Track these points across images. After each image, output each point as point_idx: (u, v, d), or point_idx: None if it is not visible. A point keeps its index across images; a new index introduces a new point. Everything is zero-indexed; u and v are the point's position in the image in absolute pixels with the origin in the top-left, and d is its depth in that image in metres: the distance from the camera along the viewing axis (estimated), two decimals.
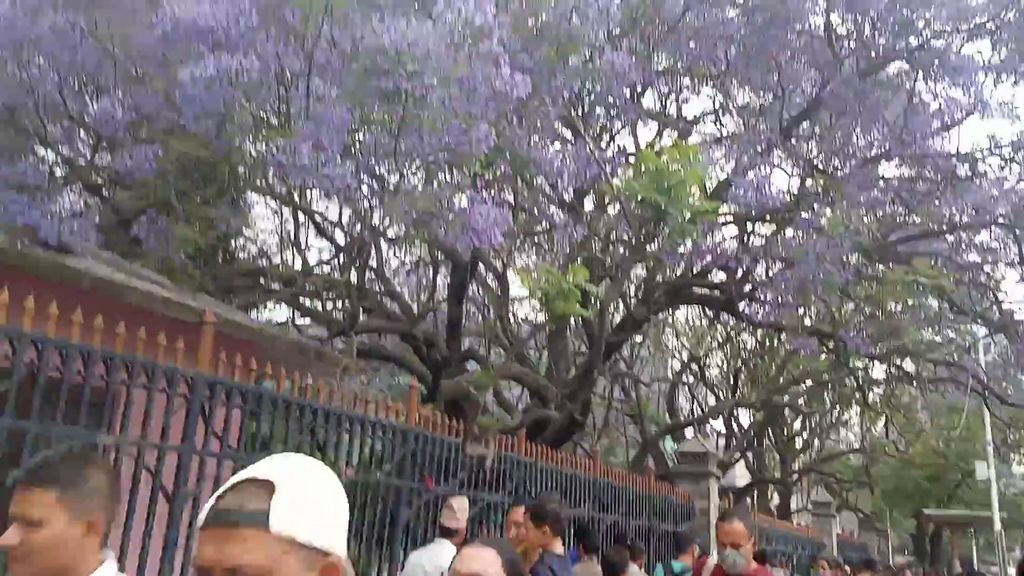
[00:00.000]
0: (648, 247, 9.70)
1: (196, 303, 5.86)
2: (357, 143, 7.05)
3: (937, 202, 11.52)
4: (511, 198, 10.53)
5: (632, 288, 13.39)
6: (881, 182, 11.37)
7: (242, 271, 9.07)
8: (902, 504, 26.57)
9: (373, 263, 10.65)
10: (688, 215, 7.95)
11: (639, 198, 7.73)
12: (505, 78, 5.92)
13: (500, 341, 13.26)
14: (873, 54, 9.78)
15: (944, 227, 11.78)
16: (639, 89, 10.30)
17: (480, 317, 14.89)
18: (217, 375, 4.49)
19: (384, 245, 10.06)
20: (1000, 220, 11.12)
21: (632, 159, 11.03)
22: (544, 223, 11.56)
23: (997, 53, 11.11)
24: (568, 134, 10.75)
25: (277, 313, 12.46)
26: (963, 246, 12.84)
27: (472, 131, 6.13)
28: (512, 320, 14.14)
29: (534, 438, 8.66)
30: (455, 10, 5.57)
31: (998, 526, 21.51)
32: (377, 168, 7.34)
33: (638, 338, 16.23)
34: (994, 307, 12.79)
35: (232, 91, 5.35)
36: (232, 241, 9.47)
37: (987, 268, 12.94)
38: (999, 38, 10.90)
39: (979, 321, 12.89)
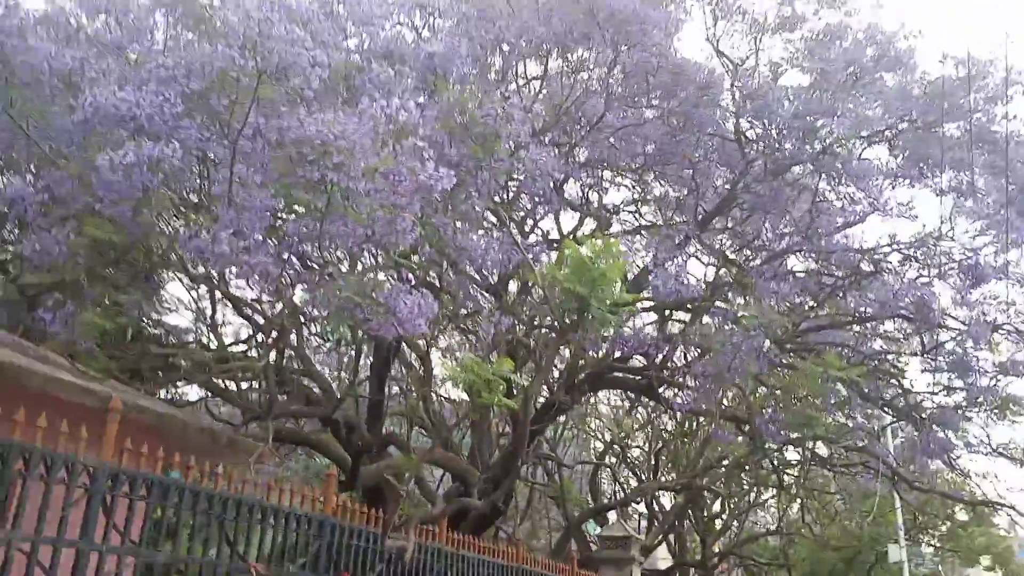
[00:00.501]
0: (572, 333, 9.84)
1: (102, 388, 5.63)
2: (280, 229, 7.01)
3: (843, 295, 12.11)
4: (437, 281, 10.58)
5: (555, 373, 13.50)
6: (790, 276, 11.89)
7: (153, 353, 8.74)
8: None
9: (293, 341, 10.44)
10: (609, 306, 8.15)
11: (563, 287, 7.89)
12: (430, 171, 6.03)
13: (423, 423, 13.07)
14: (780, 157, 10.38)
15: (851, 318, 12.37)
16: (561, 179, 10.63)
17: (403, 398, 14.68)
18: (121, 464, 4.30)
19: (305, 327, 9.89)
20: (902, 312, 11.73)
21: (555, 245, 11.29)
22: (470, 306, 11.61)
23: (894, 159, 11.99)
24: (493, 219, 10.96)
25: (190, 394, 12.01)
26: (869, 336, 13.48)
27: (397, 222, 6.18)
28: (436, 399, 13.99)
29: (456, 525, 8.49)
30: (381, 106, 5.69)
31: None
32: (302, 252, 7.30)
33: (561, 418, 16.24)
34: (900, 395, 13.37)
35: (152, 177, 5.28)
36: (143, 323, 9.16)
37: (891, 357, 13.60)
38: (896, 145, 11.77)
39: (886, 409, 13.43)
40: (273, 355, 9.14)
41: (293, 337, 9.93)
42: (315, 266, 7.58)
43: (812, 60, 10.41)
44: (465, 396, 13.24)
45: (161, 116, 5.16)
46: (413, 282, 8.03)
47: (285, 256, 6.91)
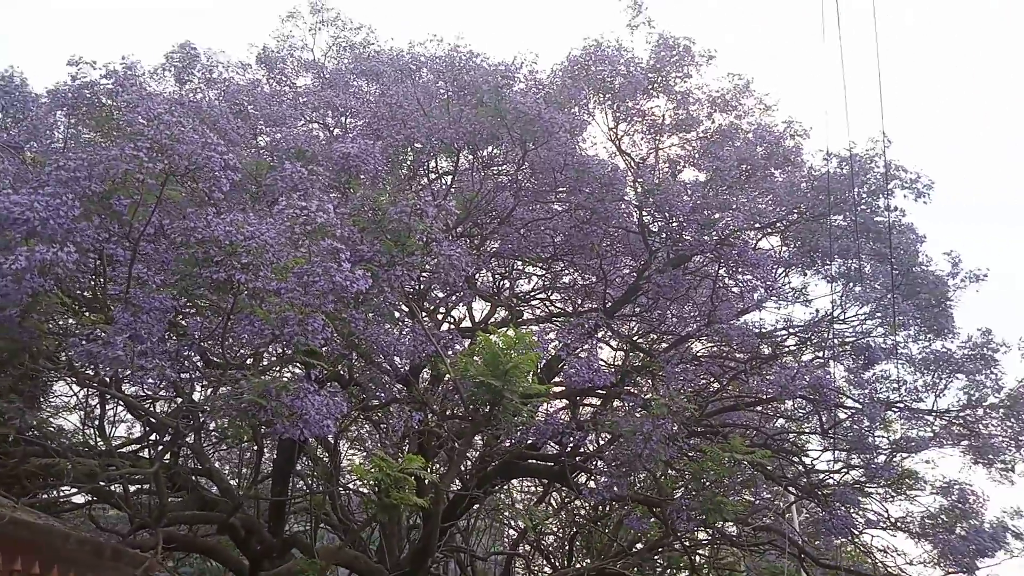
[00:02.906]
0: (484, 425, 9.75)
1: None
2: (181, 327, 6.71)
3: (745, 377, 12.52)
4: (346, 373, 10.34)
5: (468, 463, 13.28)
6: (695, 361, 12.22)
7: (35, 456, 8.08)
8: None
9: (190, 439, 9.89)
10: (522, 396, 8.15)
11: (474, 380, 7.86)
12: (345, 272, 5.95)
13: (330, 519, 12.50)
14: (681, 247, 10.81)
15: (753, 399, 12.78)
16: (473, 271, 10.71)
17: (308, 494, 14.04)
18: None
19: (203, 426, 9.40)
20: (801, 393, 12.20)
21: (468, 333, 11.27)
22: (381, 397, 11.37)
23: (787, 248, 12.68)
24: (405, 308, 10.88)
25: (76, 498, 11.10)
26: (771, 416, 13.94)
27: (308, 322, 6.03)
28: (344, 493, 13.46)
29: None
30: (296, 208, 5.60)
31: None
32: (203, 350, 6.99)
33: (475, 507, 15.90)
34: (802, 473, 13.80)
35: (43, 280, 4.97)
36: (26, 430, 8.49)
37: (792, 437, 14.07)
38: (788, 236, 12.48)
39: (789, 487, 13.80)
40: (168, 456, 8.61)
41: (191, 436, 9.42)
42: (217, 364, 7.29)
43: (707, 158, 11.00)
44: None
45: (57, 219, 4.91)
46: (321, 378, 7.81)
47: (185, 354, 6.61)
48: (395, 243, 6.86)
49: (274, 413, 6.32)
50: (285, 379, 6.77)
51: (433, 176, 11.24)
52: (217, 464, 11.40)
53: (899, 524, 13.75)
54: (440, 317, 12.39)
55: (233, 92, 9.48)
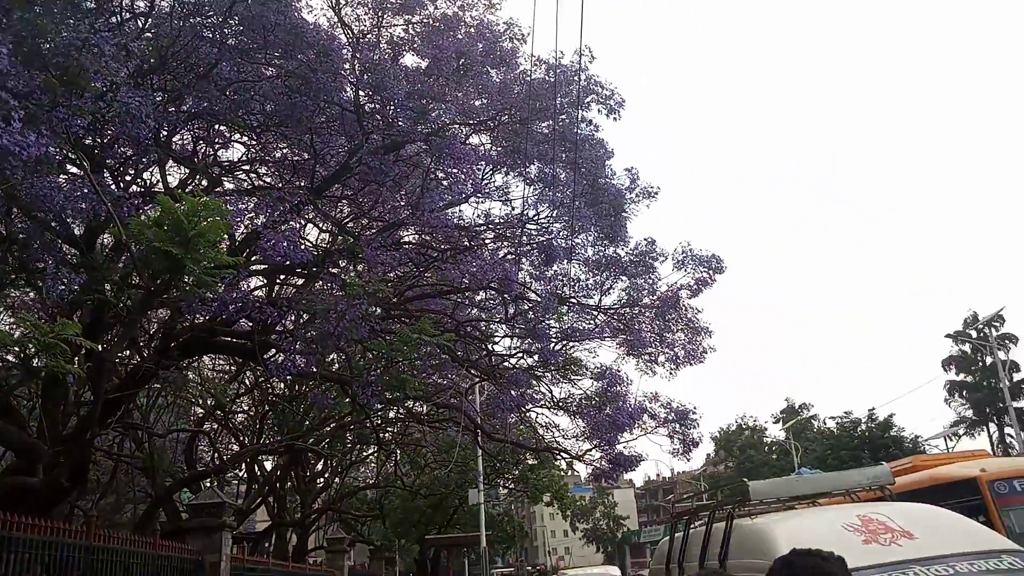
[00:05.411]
0: (167, 295, 9.15)
1: None
2: None
3: (444, 267, 13.13)
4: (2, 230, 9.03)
5: (149, 338, 12.47)
6: (399, 248, 12.51)
7: None
8: (410, 533, 29.10)
9: None
10: (207, 267, 7.72)
11: (150, 245, 7.27)
12: (15, 135, 5.09)
13: None
14: (395, 133, 10.81)
15: (449, 288, 13.48)
16: (167, 129, 9.77)
17: None
18: None
19: None
20: (493, 285, 13.11)
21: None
22: (50, 261, 10.10)
23: (495, 147, 13.27)
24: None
25: None
26: (466, 305, 14.84)
27: None
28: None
29: (14, 506, 7.42)
30: None
31: (483, 543, 25.00)
32: None
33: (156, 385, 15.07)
34: (485, 357, 15.02)
35: None
36: None
37: (483, 325, 15.17)
38: (497, 136, 13.03)
39: (473, 370, 14.98)
40: None
41: None
42: None
43: (428, 46, 10.98)
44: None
45: None
46: None
47: None
48: (61, 81, 6.01)
49: None
50: None
51: (127, 15, 9.87)
52: None
53: (561, 404, 15.65)
54: (129, 179, 11.19)
55: None
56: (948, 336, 48.98)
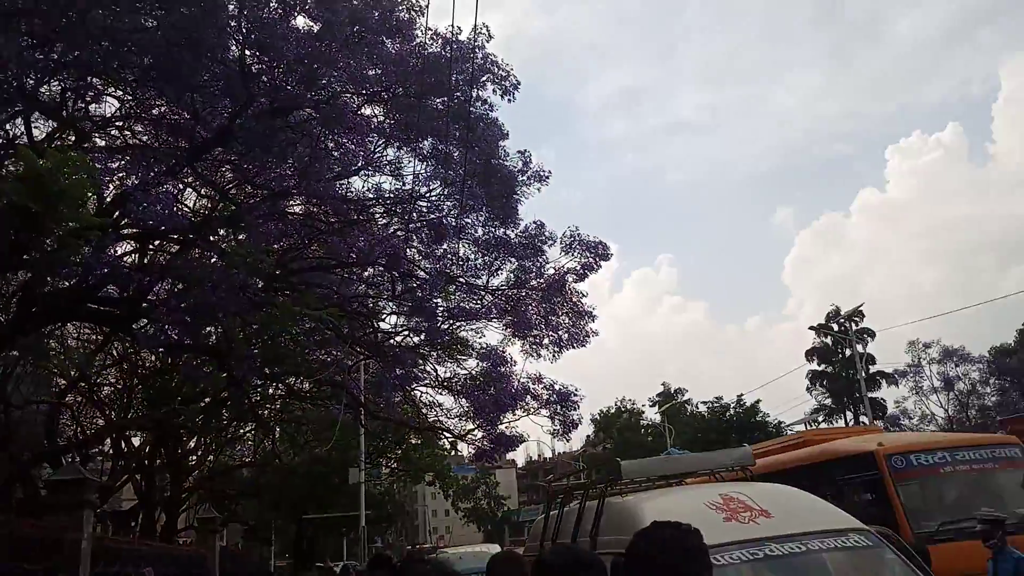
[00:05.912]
0: (26, 255, 8.49)
1: None
2: None
3: (332, 240, 12.79)
4: None
5: (6, 301, 11.56)
6: (284, 219, 12.08)
7: None
8: (287, 512, 28.45)
9: None
10: (72, 227, 7.22)
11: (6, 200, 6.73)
12: None
13: None
14: (283, 97, 10.40)
15: (336, 262, 13.15)
16: (33, 79, 9.01)
17: None
18: None
19: None
20: (381, 261, 12.89)
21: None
22: None
23: (388, 120, 12.98)
24: None
25: None
26: (353, 280, 14.53)
27: None
28: None
29: None
30: None
31: (363, 523, 24.78)
32: None
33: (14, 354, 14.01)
34: (371, 334, 14.78)
35: None
36: None
37: (370, 302, 14.92)
38: (391, 108, 12.74)
39: (358, 347, 14.72)
40: None
41: None
42: None
43: (321, 8, 10.57)
44: None
45: None
46: None
47: None
48: None
49: None
50: None
51: None
52: None
53: (445, 383, 15.65)
54: None
55: None
56: (812, 328, 52.23)
